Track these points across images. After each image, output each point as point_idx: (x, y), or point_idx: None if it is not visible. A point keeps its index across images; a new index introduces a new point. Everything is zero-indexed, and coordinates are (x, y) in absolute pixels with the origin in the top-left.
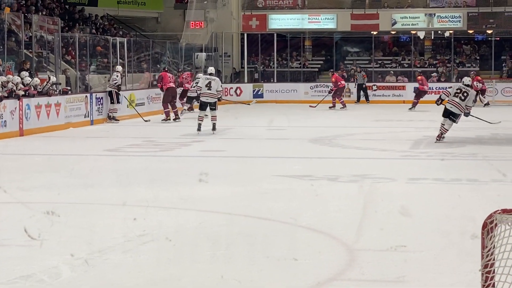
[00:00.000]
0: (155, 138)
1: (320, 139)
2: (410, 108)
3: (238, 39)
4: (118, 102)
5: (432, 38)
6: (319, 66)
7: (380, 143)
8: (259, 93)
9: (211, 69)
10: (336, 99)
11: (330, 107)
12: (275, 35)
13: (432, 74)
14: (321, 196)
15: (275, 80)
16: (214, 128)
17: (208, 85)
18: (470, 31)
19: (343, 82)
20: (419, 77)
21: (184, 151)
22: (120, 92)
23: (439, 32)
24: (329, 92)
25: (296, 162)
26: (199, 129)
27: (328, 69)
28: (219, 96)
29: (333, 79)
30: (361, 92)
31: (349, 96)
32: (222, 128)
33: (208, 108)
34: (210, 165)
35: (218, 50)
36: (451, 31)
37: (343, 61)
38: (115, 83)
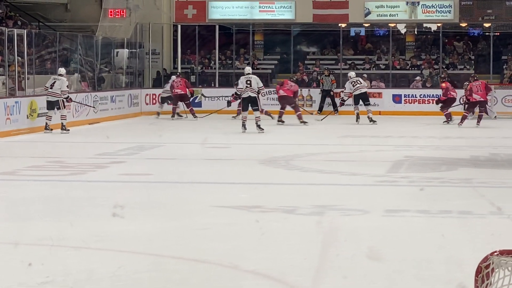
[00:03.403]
0: (63, 158)
1: (272, 160)
2: (446, 122)
3: (170, 33)
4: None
5: (416, 32)
6: (272, 67)
7: (349, 165)
8: (196, 100)
9: (248, 69)
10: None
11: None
12: (217, 27)
13: (415, 78)
14: (272, 234)
15: (217, 85)
16: (259, 128)
17: (248, 83)
18: (463, 25)
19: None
20: (444, 85)
21: (99, 175)
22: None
23: (425, 25)
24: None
25: (242, 190)
26: (245, 128)
27: (283, 70)
28: (260, 91)
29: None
30: (326, 100)
31: (311, 105)
32: (147, 146)
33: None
34: (131, 193)
35: (144, 46)
36: (439, 24)
37: (303, 61)
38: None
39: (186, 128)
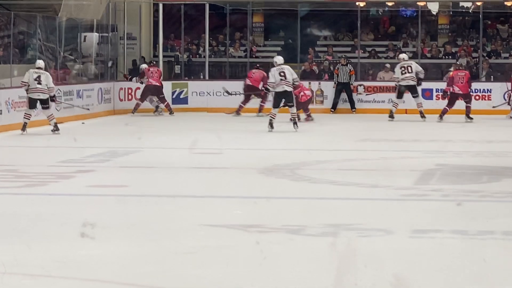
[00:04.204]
0: (17, 166)
1: (275, 168)
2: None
3: (150, 13)
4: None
5: (451, 13)
6: (275, 54)
7: (368, 175)
8: (180, 96)
9: (280, 59)
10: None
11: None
12: (207, 6)
13: (449, 69)
14: (275, 259)
15: (207, 77)
16: (296, 125)
17: (282, 75)
18: (508, 3)
19: (308, 92)
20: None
21: (62, 186)
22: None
23: (461, 4)
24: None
25: (238, 205)
26: (271, 127)
27: (289, 59)
28: (295, 84)
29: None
30: (341, 96)
31: (321, 102)
32: (122, 152)
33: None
34: (102, 209)
35: (118, 30)
36: (479, 3)
37: (313, 48)
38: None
39: (170, 129)
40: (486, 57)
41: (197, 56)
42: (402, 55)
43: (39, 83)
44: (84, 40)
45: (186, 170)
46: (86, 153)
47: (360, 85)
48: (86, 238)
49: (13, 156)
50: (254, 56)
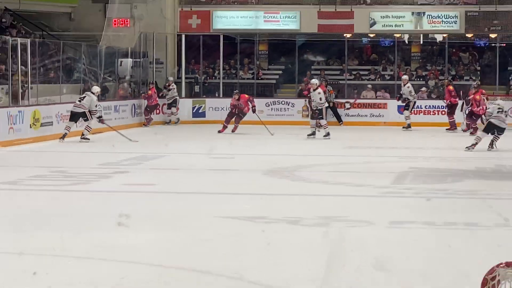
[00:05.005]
0: (66, 168)
1: (277, 170)
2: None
3: (174, 42)
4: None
5: (421, 43)
6: (277, 77)
7: (354, 176)
8: (199, 111)
9: (315, 81)
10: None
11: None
12: (221, 37)
13: (420, 89)
14: (277, 244)
15: (221, 95)
16: (326, 134)
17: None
18: (469, 35)
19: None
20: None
21: (102, 185)
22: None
23: (430, 36)
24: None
25: (246, 200)
26: (311, 135)
27: (288, 81)
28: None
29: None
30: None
31: (307, 115)
32: (151, 156)
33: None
34: (135, 203)
35: (148, 56)
36: (445, 35)
37: (310, 71)
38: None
39: (191, 138)
40: (451, 80)
41: (213, 77)
42: (405, 76)
43: (80, 101)
44: (121, 65)
45: (204, 171)
46: (122, 157)
47: (347, 102)
48: (122, 227)
49: (62, 160)
50: (260, 78)
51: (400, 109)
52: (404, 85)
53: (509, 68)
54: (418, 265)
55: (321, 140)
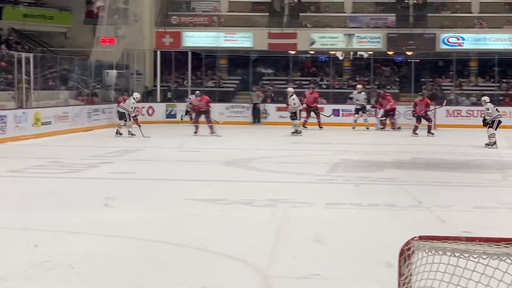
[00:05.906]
0: (61, 159)
1: (234, 161)
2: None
3: (151, 57)
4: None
5: (351, 58)
6: (234, 85)
7: (297, 166)
8: (172, 113)
9: (291, 90)
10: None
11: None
12: (190, 53)
13: (350, 96)
14: (234, 222)
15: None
16: (295, 131)
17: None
18: (390, 52)
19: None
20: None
21: (92, 173)
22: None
23: (359, 53)
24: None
25: (209, 186)
26: (294, 133)
27: (244, 89)
28: (295, 109)
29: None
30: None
31: (265, 118)
32: (132, 149)
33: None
34: (119, 188)
35: (130, 68)
36: (370, 52)
37: (260, 81)
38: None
39: (165, 135)
40: (375, 88)
41: (183, 86)
42: (359, 86)
43: (124, 102)
44: (107, 75)
45: (175, 162)
46: (108, 150)
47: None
48: (108, 207)
49: (58, 152)
50: (220, 86)
51: (335, 112)
52: (359, 93)
53: (421, 80)
54: (348, 239)
55: (270, 136)
